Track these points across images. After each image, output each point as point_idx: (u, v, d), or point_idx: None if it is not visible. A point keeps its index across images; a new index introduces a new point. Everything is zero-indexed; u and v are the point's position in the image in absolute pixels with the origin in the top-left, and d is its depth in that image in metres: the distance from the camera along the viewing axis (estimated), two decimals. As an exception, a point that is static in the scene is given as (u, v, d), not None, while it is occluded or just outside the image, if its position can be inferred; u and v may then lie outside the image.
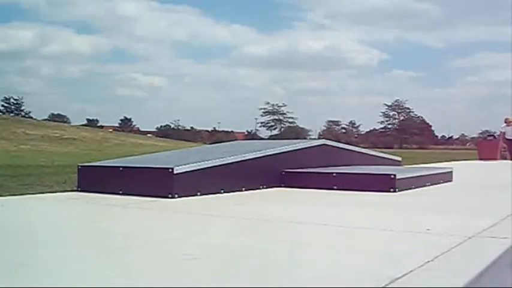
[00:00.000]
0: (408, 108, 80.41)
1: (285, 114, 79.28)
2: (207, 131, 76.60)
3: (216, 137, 62.61)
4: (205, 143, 39.13)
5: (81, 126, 44.87)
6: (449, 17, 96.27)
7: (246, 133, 77.13)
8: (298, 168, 5.79)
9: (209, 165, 4.84)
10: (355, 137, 75.11)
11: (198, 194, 4.60)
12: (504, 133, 16.29)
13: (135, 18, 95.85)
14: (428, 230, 2.92)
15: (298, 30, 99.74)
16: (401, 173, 5.50)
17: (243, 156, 5.32)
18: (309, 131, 78.35)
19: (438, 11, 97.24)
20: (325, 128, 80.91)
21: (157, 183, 4.56)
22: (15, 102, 69.91)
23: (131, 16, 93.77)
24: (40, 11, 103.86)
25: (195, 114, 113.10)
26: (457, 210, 4.14)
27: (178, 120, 78.62)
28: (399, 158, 8.54)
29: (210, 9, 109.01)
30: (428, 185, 5.87)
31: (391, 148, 55.04)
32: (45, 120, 50.60)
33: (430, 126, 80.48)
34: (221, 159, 5.02)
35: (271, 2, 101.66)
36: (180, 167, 4.55)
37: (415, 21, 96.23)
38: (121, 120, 76.46)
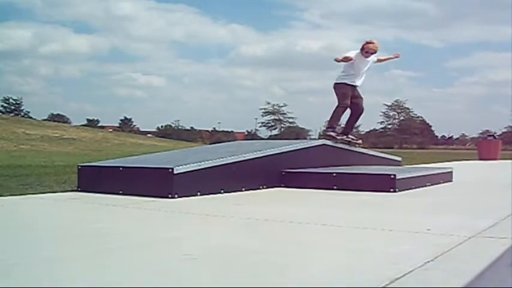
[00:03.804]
0: (408, 108, 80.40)
1: (285, 114, 79.34)
2: (207, 131, 76.65)
3: (216, 137, 62.69)
4: (205, 143, 39.18)
5: (81, 127, 44.88)
6: (448, 17, 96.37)
7: (246, 133, 77.14)
8: (298, 168, 5.79)
9: (209, 165, 4.84)
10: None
11: (198, 194, 4.60)
12: (352, 63, 6.93)
13: (133, 18, 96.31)
14: (428, 230, 2.92)
15: (296, 30, 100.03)
16: (401, 173, 5.50)
17: (243, 156, 5.32)
18: (309, 131, 78.33)
19: (436, 11, 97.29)
20: (325, 128, 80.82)
21: (158, 183, 4.56)
22: (14, 102, 70.00)
23: (128, 15, 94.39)
24: (37, 11, 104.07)
25: (195, 114, 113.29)
26: (457, 210, 4.14)
27: (178, 120, 78.82)
28: (399, 158, 8.54)
29: (207, 8, 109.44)
30: (429, 185, 5.87)
31: (391, 148, 55.04)
32: (45, 120, 50.61)
33: (430, 126, 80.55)
34: (221, 159, 5.02)
35: (267, 2, 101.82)
36: (180, 167, 4.55)
37: (413, 21, 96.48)
38: (121, 120, 76.64)
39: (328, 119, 7.23)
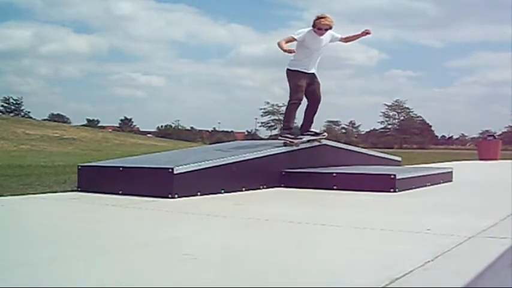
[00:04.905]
0: (408, 108, 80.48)
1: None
2: (207, 131, 76.66)
3: (216, 137, 62.67)
4: (205, 143, 39.17)
5: (81, 127, 44.89)
6: (448, 17, 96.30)
7: (246, 133, 77.12)
8: (298, 168, 5.79)
9: (209, 165, 4.84)
10: (355, 137, 75.12)
11: (198, 194, 4.60)
12: (304, 44, 5.92)
13: (132, 18, 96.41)
14: (428, 230, 2.92)
15: (296, 30, 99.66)
16: (401, 173, 5.50)
17: (243, 156, 5.33)
18: (309, 131, 78.22)
19: (436, 11, 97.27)
20: (325, 128, 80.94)
21: (157, 183, 4.56)
22: (14, 102, 69.97)
23: (128, 15, 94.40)
24: (37, 11, 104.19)
25: (195, 114, 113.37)
26: (457, 210, 4.14)
27: (178, 120, 78.73)
28: (399, 158, 8.53)
29: (207, 8, 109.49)
30: (429, 185, 5.87)
31: (391, 148, 55.03)
32: (45, 120, 50.63)
33: (430, 126, 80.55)
34: (221, 159, 5.02)
35: (267, 1, 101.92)
36: (180, 167, 4.55)
37: (413, 21, 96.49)
38: (121, 120, 76.52)
39: (283, 118, 6.22)
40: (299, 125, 6.46)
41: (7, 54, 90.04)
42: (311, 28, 5.92)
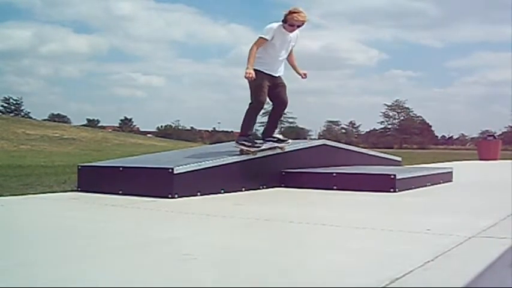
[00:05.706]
0: (408, 108, 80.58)
1: (285, 114, 79.09)
2: (207, 131, 76.71)
3: (216, 137, 62.67)
4: (205, 143, 39.16)
5: (81, 127, 44.89)
6: (448, 17, 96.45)
7: (246, 133, 77.08)
8: (298, 168, 5.79)
9: (209, 165, 4.84)
10: (355, 137, 75.17)
11: (198, 194, 4.60)
12: (273, 41, 5.23)
13: (132, 18, 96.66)
14: (428, 230, 2.92)
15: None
16: (401, 173, 5.50)
17: (243, 157, 5.32)
18: (309, 131, 78.24)
19: (436, 11, 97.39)
20: (325, 128, 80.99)
21: (157, 183, 4.56)
22: (14, 102, 69.99)
23: (128, 15, 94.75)
24: (36, 11, 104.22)
25: (195, 114, 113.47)
26: (457, 210, 4.14)
27: (178, 120, 78.80)
28: (399, 158, 8.54)
29: (207, 8, 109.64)
30: (429, 185, 5.87)
31: (391, 148, 55.06)
32: (45, 120, 50.63)
33: (430, 126, 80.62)
34: (221, 159, 5.02)
35: (267, 1, 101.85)
36: (180, 167, 4.55)
37: (413, 21, 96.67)
38: (121, 120, 76.60)
39: (241, 123, 5.45)
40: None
41: (7, 54, 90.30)
42: (281, 23, 5.25)
